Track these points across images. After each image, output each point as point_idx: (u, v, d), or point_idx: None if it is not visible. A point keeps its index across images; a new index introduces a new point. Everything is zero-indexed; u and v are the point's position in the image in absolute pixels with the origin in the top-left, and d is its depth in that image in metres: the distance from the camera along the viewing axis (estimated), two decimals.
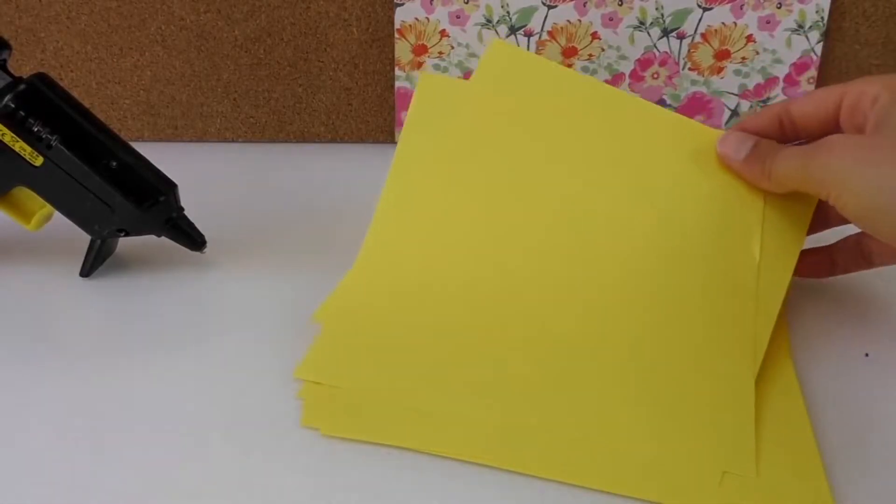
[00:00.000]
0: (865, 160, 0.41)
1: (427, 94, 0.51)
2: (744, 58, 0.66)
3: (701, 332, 0.44)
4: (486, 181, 0.49)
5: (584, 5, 0.65)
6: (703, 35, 0.66)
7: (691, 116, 0.68)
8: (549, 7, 0.65)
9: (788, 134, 0.47)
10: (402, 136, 0.51)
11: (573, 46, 0.66)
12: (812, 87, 0.66)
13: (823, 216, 0.49)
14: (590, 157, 0.49)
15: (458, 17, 0.66)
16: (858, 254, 0.49)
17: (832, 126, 0.46)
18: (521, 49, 0.52)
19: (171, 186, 0.51)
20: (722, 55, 0.66)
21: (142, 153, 0.51)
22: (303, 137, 0.71)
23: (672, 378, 0.42)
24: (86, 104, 0.50)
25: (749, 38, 0.65)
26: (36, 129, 0.48)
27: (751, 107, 0.67)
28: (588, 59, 0.67)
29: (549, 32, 0.66)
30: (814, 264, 0.50)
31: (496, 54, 0.52)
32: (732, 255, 0.46)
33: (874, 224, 0.42)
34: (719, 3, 0.64)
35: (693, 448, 0.38)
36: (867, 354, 0.46)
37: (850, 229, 0.48)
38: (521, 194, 0.49)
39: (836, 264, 0.50)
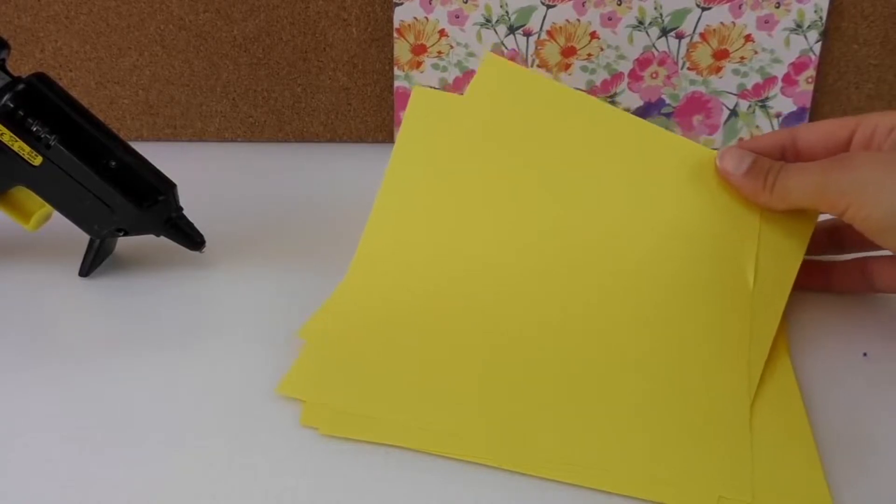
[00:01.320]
0: (894, 173, 0.41)
1: (420, 109, 0.51)
2: (742, 57, 0.66)
3: (695, 354, 0.44)
4: (478, 198, 0.49)
5: (583, 5, 0.65)
6: (701, 35, 0.66)
7: (690, 116, 0.68)
8: (548, 7, 0.65)
9: (790, 161, 0.47)
10: (394, 151, 0.51)
11: (572, 46, 0.66)
12: (811, 87, 0.66)
13: (837, 240, 0.49)
14: (583, 174, 0.49)
15: (457, 16, 0.66)
16: (860, 277, 0.49)
17: None
18: (515, 64, 0.52)
19: (170, 186, 0.51)
20: (720, 55, 0.66)
21: (141, 153, 0.51)
22: (302, 137, 0.71)
23: (666, 399, 0.42)
24: (85, 104, 0.50)
25: (748, 38, 0.65)
26: (35, 129, 0.47)
27: (749, 106, 0.68)
28: (587, 59, 0.67)
29: (548, 32, 0.66)
30: (809, 278, 0.50)
31: (490, 69, 0.51)
32: (727, 278, 0.46)
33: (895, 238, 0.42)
34: (718, 3, 0.64)
35: (688, 470, 0.38)
36: (865, 354, 0.46)
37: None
38: (513, 212, 0.49)
39: (832, 282, 0.50)
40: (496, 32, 0.66)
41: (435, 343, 0.45)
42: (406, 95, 0.68)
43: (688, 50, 0.66)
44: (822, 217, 0.48)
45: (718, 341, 0.44)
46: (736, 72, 0.67)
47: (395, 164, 0.51)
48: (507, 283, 0.47)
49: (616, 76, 0.67)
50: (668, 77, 0.67)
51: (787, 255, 0.47)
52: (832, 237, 0.49)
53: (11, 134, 0.47)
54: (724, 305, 0.46)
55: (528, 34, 0.66)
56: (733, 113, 0.68)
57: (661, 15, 0.65)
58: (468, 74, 0.67)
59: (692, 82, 0.67)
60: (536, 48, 0.66)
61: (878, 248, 0.47)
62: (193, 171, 0.56)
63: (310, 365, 0.43)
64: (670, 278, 0.47)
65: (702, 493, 0.37)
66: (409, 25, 0.66)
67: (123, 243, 0.54)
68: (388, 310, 0.46)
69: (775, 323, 0.45)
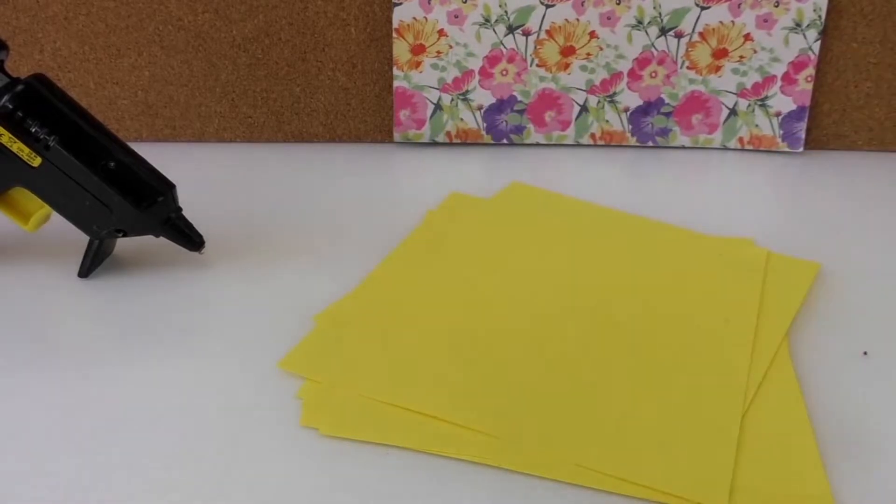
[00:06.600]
0: None
1: (447, 205, 0.58)
2: (742, 56, 0.66)
3: (694, 361, 0.44)
4: (491, 264, 0.52)
5: (582, 4, 0.65)
6: (700, 34, 0.66)
7: (689, 115, 0.68)
8: (547, 6, 0.65)
9: None
10: (421, 225, 0.56)
11: (571, 45, 0.66)
12: (810, 85, 0.66)
13: None
14: (591, 257, 0.54)
15: (456, 16, 0.66)
16: None
17: None
18: (539, 188, 0.61)
19: (169, 186, 0.51)
20: (720, 54, 0.66)
21: (140, 153, 0.51)
22: (301, 137, 0.71)
23: (658, 401, 0.42)
24: (84, 105, 0.50)
25: (747, 37, 0.65)
26: (34, 130, 0.47)
27: (748, 105, 0.68)
28: (586, 59, 0.67)
29: (547, 31, 0.66)
30: None
31: (514, 190, 0.61)
32: (728, 306, 0.48)
33: None
34: (717, 2, 0.64)
35: (667, 474, 0.38)
36: (865, 353, 0.46)
37: None
38: (524, 278, 0.51)
39: None
40: (495, 32, 0.66)
41: (440, 340, 0.45)
42: (405, 95, 0.68)
43: (687, 49, 0.66)
44: None
45: (719, 348, 0.45)
46: (735, 71, 0.67)
47: (420, 231, 0.56)
48: (514, 313, 0.49)
49: (615, 75, 0.67)
50: (668, 76, 0.67)
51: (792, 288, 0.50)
52: None
53: (10, 135, 0.47)
54: (726, 324, 0.47)
55: (527, 34, 0.66)
56: (732, 112, 0.68)
57: (659, 14, 0.65)
58: (467, 74, 0.67)
59: (691, 81, 0.67)
60: (535, 48, 0.66)
61: None
62: (192, 171, 0.57)
63: (315, 344, 0.45)
64: (674, 291, 0.49)
65: (679, 493, 0.37)
66: (408, 25, 0.66)
67: (123, 244, 0.54)
68: (399, 312, 0.48)
69: (778, 339, 0.46)
